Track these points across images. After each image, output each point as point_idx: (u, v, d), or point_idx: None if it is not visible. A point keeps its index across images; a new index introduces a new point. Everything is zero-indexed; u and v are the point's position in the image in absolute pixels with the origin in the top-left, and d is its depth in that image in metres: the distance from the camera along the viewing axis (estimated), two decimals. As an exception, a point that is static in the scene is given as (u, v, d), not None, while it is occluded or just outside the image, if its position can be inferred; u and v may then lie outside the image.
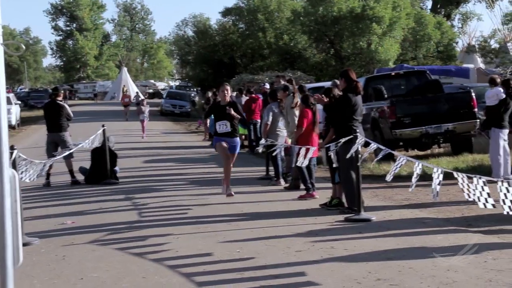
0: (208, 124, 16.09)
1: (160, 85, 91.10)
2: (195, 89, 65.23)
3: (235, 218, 10.65)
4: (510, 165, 13.34)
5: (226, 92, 12.91)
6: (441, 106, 17.00)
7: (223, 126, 12.63)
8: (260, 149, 13.69)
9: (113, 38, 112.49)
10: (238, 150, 13.02)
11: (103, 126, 16.16)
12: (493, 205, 6.99)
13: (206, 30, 58.99)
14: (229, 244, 8.76)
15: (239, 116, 12.84)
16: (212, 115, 13.27)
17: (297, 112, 13.27)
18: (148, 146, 25.48)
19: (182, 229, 9.85)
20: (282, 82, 15.05)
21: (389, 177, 9.17)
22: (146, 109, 30.14)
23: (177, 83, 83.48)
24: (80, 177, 15.81)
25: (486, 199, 7.02)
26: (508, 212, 6.74)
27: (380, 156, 9.56)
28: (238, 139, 12.99)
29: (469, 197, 7.33)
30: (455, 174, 7.57)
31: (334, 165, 10.92)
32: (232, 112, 12.62)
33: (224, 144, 12.60)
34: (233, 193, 12.59)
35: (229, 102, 12.87)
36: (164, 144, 26.46)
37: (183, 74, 71.01)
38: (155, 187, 14.72)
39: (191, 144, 26.97)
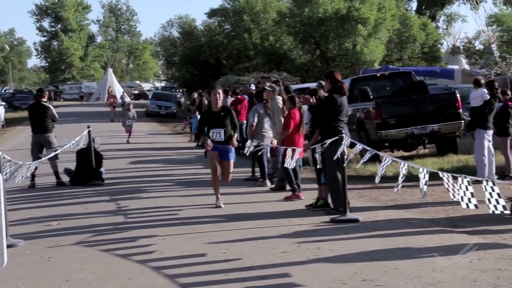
0: (193, 124, 15.93)
1: (146, 86, 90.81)
2: (180, 90, 65.12)
3: (221, 219, 10.65)
4: (495, 166, 13.41)
5: (218, 96, 11.97)
6: (426, 107, 17.07)
7: (216, 134, 11.71)
8: (247, 151, 13.26)
9: (99, 39, 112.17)
10: (233, 157, 12.07)
11: (88, 127, 16.10)
12: (475, 205, 7.04)
13: (192, 31, 58.89)
14: (215, 245, 8.75)
15: (236, 143, 12.13)
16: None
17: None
18: (133, 147, 25.41)
19: (168, 230, 9.83)
20: (268, 83, 15.02)
21: (377, 179, 9.19)
22: (132, 114, 29.13)
23: (162, 84, 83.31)
24: (65, 178, 15.74)
25: (469, 199, 7.08)
26: (493, 211, 6.78)
27: (366, 158, 9.57)
28: (232, 147, 11.98)
29: (454, 196, 7.37)
30: (440, 174, 7.61)
31: (318, 166, 10.95)
32: (235, 142, 11.98)
33: (216, 156, 11.76)
34: (222, 205, 11.75)
35: (222, 107, 12.05)
36: (150, 145, 26.40)
37: (169, 75, 70.89)
38: (140, 188, 14.68)
39: (177, 145, 26.92)
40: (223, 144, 11.76)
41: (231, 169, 12.04)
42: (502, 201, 6.70)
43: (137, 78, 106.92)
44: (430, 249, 8.10)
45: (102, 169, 15.95)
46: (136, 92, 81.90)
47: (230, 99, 21.35)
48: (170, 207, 11.90)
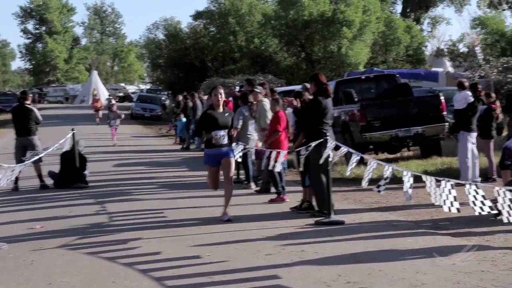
0: (178, 127, 15.79)
1: (131, 88, 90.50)
2: (165, 93, 64.97)
3: (206, 222, 10.63)
4: (478, 168, 13.49)
5: (220, 96, 10.92)
6: (410, 110, 17.14)
7: (221, 138, 10.71)
8: (236, 156, 12.85)
9: (83, 41, 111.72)
10: (234, 154, 11.25)
11: (72, 130, 16.03)
12: (457, 209, 7.10)
13: (177, 33, 58.76)
14: (199, 248, 8.74)
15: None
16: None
17: (269, 115, 13.25)
18: (118, 150, 25.33)
19: (152, 233, 9.81)
20: (251, 87, 14.84)
21: (364, 184, 9.22)
22: (117, 115, 29.01)
23: (147, 86, 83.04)
24: (49, 181, 15.67)
25: (451, 202, 7.13)
26: (480, 213, 6.83)
27: (353, 163, 9.60)
28: (232, 147, 11.27)
29: (436, 201, 7.43)
30: (423, 177, 7.65)
31: (300, 169, 10.97)
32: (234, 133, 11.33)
33: (216, 171, 11.04)
34: (230, 218, 10.60)
35: (225, 107, 11.14)
36: (135, 148, 26.33)
37: (154, 77, 70.68)
38: (125, 191, 14.64)
39: (162, 147, 26.87)
40: (225, 148, 10.85)
41: (233, 167, 11.04)
42: (488, 202, 6.75)
43: (122, 81, 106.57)
44: (414, 251, 8.14)
45: (86, 172, 15.89)
46: (121, 94, 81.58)
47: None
48: (154, 210, 11.87)
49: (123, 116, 29.45)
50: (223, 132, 10.75)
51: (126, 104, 65.25)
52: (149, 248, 8.87)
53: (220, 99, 10.91)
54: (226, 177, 10.86)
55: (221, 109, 10.91)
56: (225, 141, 10.79)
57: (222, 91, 11.05)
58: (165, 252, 8.60)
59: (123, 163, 20.70)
